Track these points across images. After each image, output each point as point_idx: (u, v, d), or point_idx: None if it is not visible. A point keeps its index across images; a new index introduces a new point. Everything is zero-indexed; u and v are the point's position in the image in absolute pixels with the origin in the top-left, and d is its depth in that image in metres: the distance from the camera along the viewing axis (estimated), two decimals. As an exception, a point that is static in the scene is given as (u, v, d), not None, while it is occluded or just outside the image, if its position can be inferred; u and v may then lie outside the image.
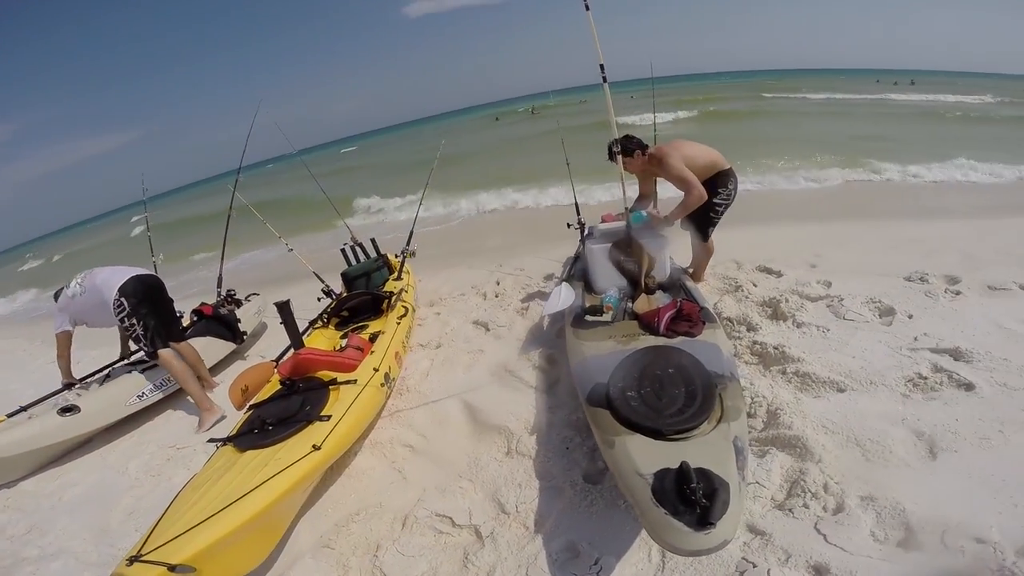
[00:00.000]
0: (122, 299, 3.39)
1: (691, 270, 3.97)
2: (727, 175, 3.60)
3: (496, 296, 4.59)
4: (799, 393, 2.55)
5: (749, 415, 2.40)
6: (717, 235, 3.83)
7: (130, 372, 3.68)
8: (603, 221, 4.08)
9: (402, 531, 2.16)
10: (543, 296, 4.29)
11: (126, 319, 3.42)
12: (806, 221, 5.99)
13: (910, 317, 3.08)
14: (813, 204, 7.12)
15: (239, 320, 4.54)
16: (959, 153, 8.74)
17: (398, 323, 3.49)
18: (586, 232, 3.97)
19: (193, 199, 35.26)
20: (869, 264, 4.08)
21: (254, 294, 5.09)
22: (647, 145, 3.64)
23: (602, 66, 2.63)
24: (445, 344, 3.81)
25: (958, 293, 3.35)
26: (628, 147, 3.57)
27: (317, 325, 3.75)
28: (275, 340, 4.59)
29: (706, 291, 3.78)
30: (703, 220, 3.66)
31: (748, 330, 3.15)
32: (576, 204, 4.78)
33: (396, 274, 4.52)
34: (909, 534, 1.73)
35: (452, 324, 4.14)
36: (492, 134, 26.72)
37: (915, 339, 2.84)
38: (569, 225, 4.38)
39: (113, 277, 3.45)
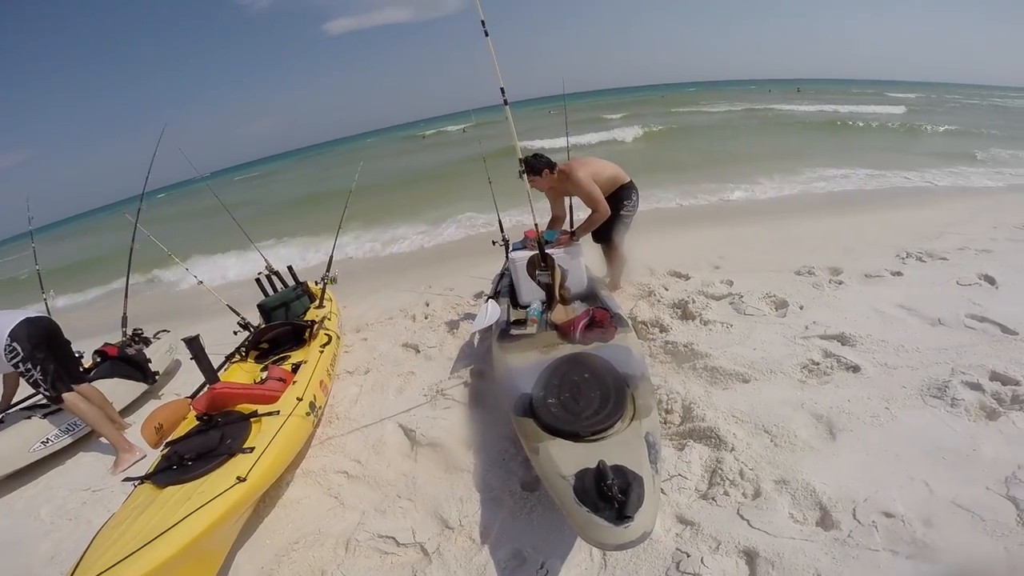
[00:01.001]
0: (14, 344, 3.12)
1: (608, 280, 4.16)
2: (629, 187, 3.84)
3: (426, 318, 4.58)
4: (709, 387, 2.73)
5: (667, 411, 2.54)
6: (632, 244, 4.05)
7: (30, 418, 3.39)
8: (526, 237, 4.20)
9: (346, 555, 2.12)
10: (473, 314, 4.33)
11: (21, 364, 3.16)
12: (711, 226, 6.43)
13: (801, 308, 3.39)
14: (717, 211, 7.66)
15: (149, 360, 4.25)
16: (847, 160, 9.85)
17: (321, 351, 3.42)
18: (511, 248, 4.07)
19: (89, 229, 32.41)
20: (765, 262, 4.44)
21: (163, 331, 4.77)
22: (555, 164, 3.78)
23: (503, 89, 2.74)
24: (374, 369, 3.76)
25: (840, 283, 3.74)
26: (536, 165, 3.71)
27: (235, 359, 3.60)
28: (191, 377, 4.32)
29: (622, 297, 3.98)
30: (610, 231, 3.87)
31: (661, 331, 3.34)
32: (500, 222, 4.88)
33: (317, 302, 4.41)
34: (824, 513, 1.88)
35: (380, 348, 4.09)
36: (417, 154, 26.58)
37: (806, 328, 3.13)
38: (494, 243, 4.49)
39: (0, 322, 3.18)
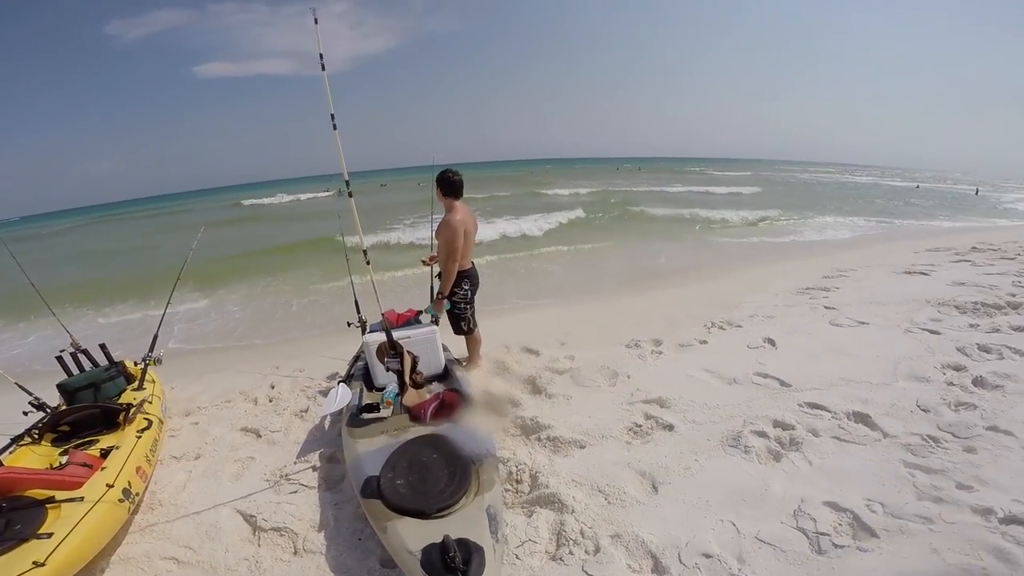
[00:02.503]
0: None
1: (465, 361, 4.29)
2: (471, 271, 4.02)
3: (270, 401, 4.28)
4: (552, 455, 2.92)
5: (517, 481, 2.67)
6: (493, 323, 4.25)
7: None
8: (384, 318, 4.19)
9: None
10: (324, 397, 4.16)
11: None
12: (562, 305, 6.94)
13: (628, 377, 3.81)
14: (567, 287, 8.32)
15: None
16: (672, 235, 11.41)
17: (139, 436, 3.11)
18: (367, 330, 4.05)
19: None
20: (602, 336, 4.90)
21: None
22: (456, 195, 3.85)
23: (347, 181, 2.90)
24: (206, 455, 3.44)
25: (660, 353, 4.28)
26: (452, 182, 3.79)
27: (25, 441, 3.12)
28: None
29: (479, 375, 4.12)
30: (454, 318, 4.04)
31: (512, 406, 3.51)
32: (356, 302, 4.78)
33: (137, 383, 3.95)
34: (655, 560, 2.09)
35: (214, 433, 3.75)
36: (263, 222, 25.27)
37: (631, 395, 3.52)
38: (349, 324, 4.39)
39: None
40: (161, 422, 3.60)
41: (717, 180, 40.03)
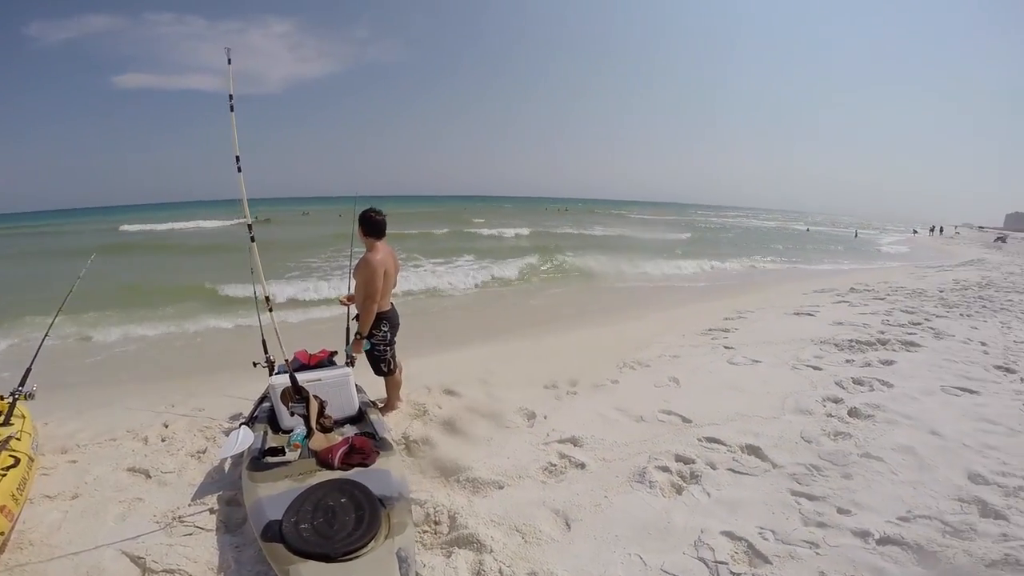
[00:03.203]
0: None
1: (383, 404, 4.24)
2: (391, 313, 4.02)
3: (163, 440, 3.96)
4: (472, 496, 2.94)
5: (435, 523, 2.68)
6: (416, 364, 4.23)
7: None
8: (295, 359, 4.04)
9: None
10: (226, 437, 3.93)
11: None
12: (486, 343, 7.00)
13: (545, 418, 3.92)
14: (493, 327, 8.39)
15: None
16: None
17: (3, 474, 2.82)
18: (276, 370, 3.90)
19: None
20: (524, 377, 5.00)
21: None
22: (379, 235, 3.85)
23: (250, 226, 2.92)
24: (85, 494, 3.15)
25: (576, 393, 4.45)
26: (375, 221, 3.78)
27: None
28: None
29: (397, 418, 4.08)
30: (373, 359, 4.00)
31: (430, 449, 3.51)
32: (263, 342, 4.54)
33: (2, 419, 3.57)
34: None
35: (95, 472, 3.43)
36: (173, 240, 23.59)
37: (547, 435, 3.63)
38: (255, 364, 4.18)
39: None
40: (31, 459, 3.28)
41: (645, 224, 43.06)
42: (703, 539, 2.51)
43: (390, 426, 3.62)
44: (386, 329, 3.95)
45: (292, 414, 3.19)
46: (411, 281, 11.74)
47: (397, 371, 4.18)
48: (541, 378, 4.86)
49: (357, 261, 3.92)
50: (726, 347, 5.93)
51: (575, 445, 3.46)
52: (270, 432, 3.38)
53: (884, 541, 2.45)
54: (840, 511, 2.70)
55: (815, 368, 5.03)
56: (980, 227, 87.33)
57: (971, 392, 4.41)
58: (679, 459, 3.23)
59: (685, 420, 3.82)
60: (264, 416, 3.58)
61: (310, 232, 27.21)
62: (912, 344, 5.88)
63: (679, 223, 47.78)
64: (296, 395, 3.15)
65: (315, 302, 9.88)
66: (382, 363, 4.02)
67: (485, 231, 28.71)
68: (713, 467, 3.14)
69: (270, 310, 3.46)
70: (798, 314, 8.03)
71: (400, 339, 4.17)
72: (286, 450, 2.97)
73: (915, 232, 53.16)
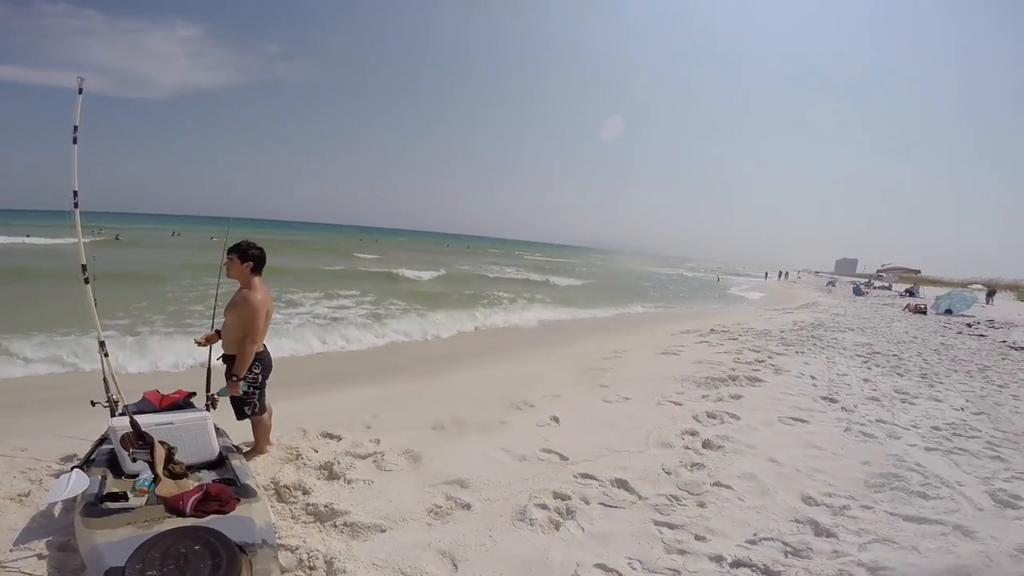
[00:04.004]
0: None
1: (248, 447, 3.99)
2: (264, 354, 3.84)
3: None
4: (351, 540, 2.87)
5: (310, 568, 2.61)
6: (293, 405, 4.01)
7: None
8: (145, 399, 3.69)
9: None
10: (56, 480, 3.45)
11: None
12: (372, 384, 6.82)
13: (432, 459, 3.93)
14: (379, 367, 8.20)
15: None
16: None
17: None
18: (119, 411, 3.52)
19: None
20: (411, 419, 4.94)
21: None
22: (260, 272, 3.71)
23: (84, 266, 2.77)
24: None
25: (465, 434, 4.50)
26: (247, 251, 3.61)
27: None
28: None
29: (266, 462, 3.86)
30: (238, 402, 3.78)
31: (304, 494, 3.35)
32: (104, 378, 4.00)
33: None
34: None
35: None
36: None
37: (433, 476, 3.64)
38: (94, 403, 3.71)
39: None
40: None
41: (548, 266, 44.75)
42: (579, 573, 2.66)
43: (256, 472, 3.43)
44: (257, 371, 3.76)
45: (134, 460, 2.93)
46: (292, 320, 11.13)
47: (266, 414, 3.97)
48: (429, 420, 4.84)
49: (234, 297, 3.73)
50: (601, 385, 6.34)
51: (461, 486, 3.51)
52: (110, 476, 3.07)
53: (736, 564, 2.75)
54: (697, 538, 3.00)
55: (676, 403, 5.55)
56: (816, 272, 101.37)
57: (802, 421, 5.12)
58: (556, 496, 3.40)
59: (563, 458, 4.03)
60: (104, 459, 3.23)
61: (173, 257, 24.89)
62: (757, 380, 6.70)
63: (589, 265, 50.28)
64: (139, 440, 2.88)
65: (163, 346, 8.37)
66: (246, 406, 3.79)
67: (375, 268, 27.95)
68: (587, 502, 3.35)
69: (105, 355, 3.19)
70: (665, 353, 8.80)
71: (276, 379, 4.00)
72: (130, 496, 2.73)
73: (767, 276, 60.85)
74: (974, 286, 37.49)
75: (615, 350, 9.11)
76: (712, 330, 11.97)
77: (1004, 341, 12.82)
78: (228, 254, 3.72)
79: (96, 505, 2.63)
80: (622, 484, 3.60)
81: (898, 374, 7.81)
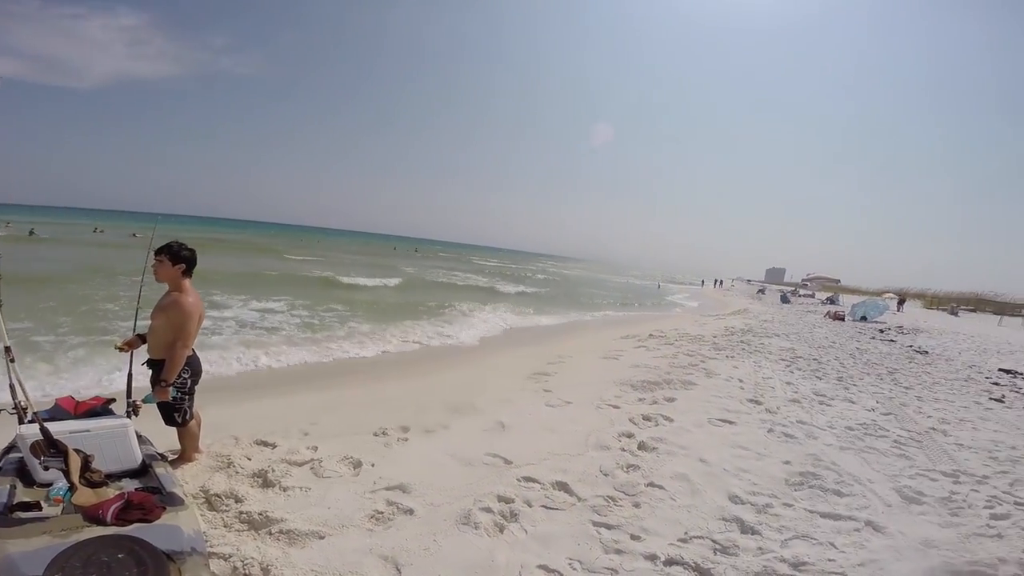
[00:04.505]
0: None
1: (174, 455, 3.81)
2: (194, 359, 3.71)
3: None
4: (287, 548, 2.81)
5: (246, 575, 2.56)
6: (223, 412, 3.85)
7: None
8: (57, 406, 3.47)
9: None
10: None
11: None
12: (311, 391, 6.56)
13: (373, 465, 3.87)
14: (310, 374, 7.94)
15: None
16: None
17: None
18: (28, 418, 3.30)
19: None
20: (352, 425, 4.85)
21: None
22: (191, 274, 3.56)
23: None
24: None
25: (407, 440, 4.46)
26: (179, 253, 3.48)
27: None
28: None
29: (194, 471, 3.70)
30: (166, 409, 3.63)
31: (236, 502, 3.25)
32: (11, 385, 3.69)
33: None
34: None
35: None
36: None
37: (375, 483, 3.60)
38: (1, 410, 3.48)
39: None
40: None
41: (501, 272, 45.14)
42: (523, 574, 2.71)
43: (183, 480, 3.30)
44: (186, 376, 3.61)
45: (46, 468, 2.76)
46: (227, 324, 10.60)
47: (193, 421, 3.82)
48: (371, 426, 4.76)
49: (162, 301, 3.56)
50: (545, 390, 6.45)
51: (403, 491, 3.48)
52: (20, 486, 2.87)
53: (669, 562, 2.88)
54: (633, 537, 3.12)
55: (614, 407, 5.73)
56: (748, 280, 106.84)
57: (730, 423, 5.41)
58: (501, 499, 3.44)
59: (507, 461, 4.08)
60: (12, 468, 3.02)
61: (93, 255, 23.23)
62: (689, 383, 7.02)
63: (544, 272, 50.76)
64: (51, 448, 2.72)
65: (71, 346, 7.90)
66: (176, 412, 3.63)
67: (316, 272, 26.80)
68: (529, 505, 3.42)
69: (11, 361, 2.99)
70: (606, 358, 9.05)
71: (205, 385, 3.89)
72: (44, 505, 2.57)
73: (703, 283, 63.77)
74: (887, 295, 40.95)
75: (560, 355, 9.26)
76: (651, 335, 12.39)
77: (911, 346, 14.03)
78: (157, 255, 3.55)
79: (6, 515, 2.46)
80: (563, 486, 3.69)
81: (817, 377, 8.38)
